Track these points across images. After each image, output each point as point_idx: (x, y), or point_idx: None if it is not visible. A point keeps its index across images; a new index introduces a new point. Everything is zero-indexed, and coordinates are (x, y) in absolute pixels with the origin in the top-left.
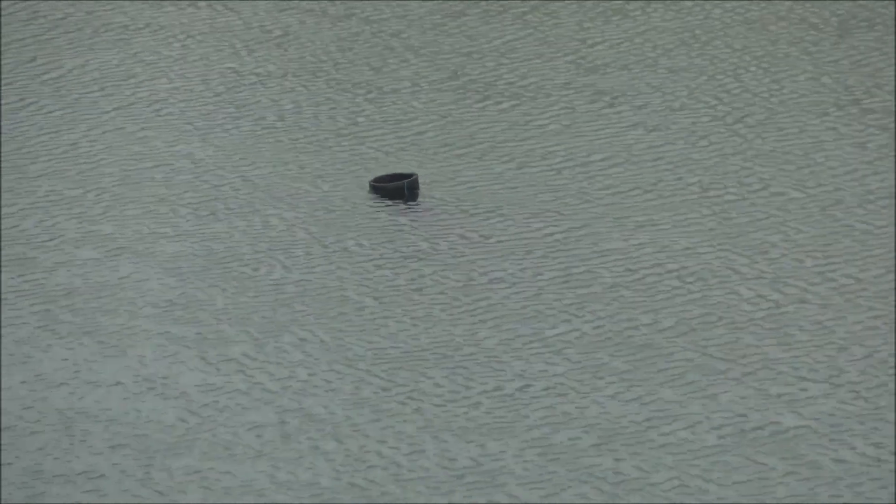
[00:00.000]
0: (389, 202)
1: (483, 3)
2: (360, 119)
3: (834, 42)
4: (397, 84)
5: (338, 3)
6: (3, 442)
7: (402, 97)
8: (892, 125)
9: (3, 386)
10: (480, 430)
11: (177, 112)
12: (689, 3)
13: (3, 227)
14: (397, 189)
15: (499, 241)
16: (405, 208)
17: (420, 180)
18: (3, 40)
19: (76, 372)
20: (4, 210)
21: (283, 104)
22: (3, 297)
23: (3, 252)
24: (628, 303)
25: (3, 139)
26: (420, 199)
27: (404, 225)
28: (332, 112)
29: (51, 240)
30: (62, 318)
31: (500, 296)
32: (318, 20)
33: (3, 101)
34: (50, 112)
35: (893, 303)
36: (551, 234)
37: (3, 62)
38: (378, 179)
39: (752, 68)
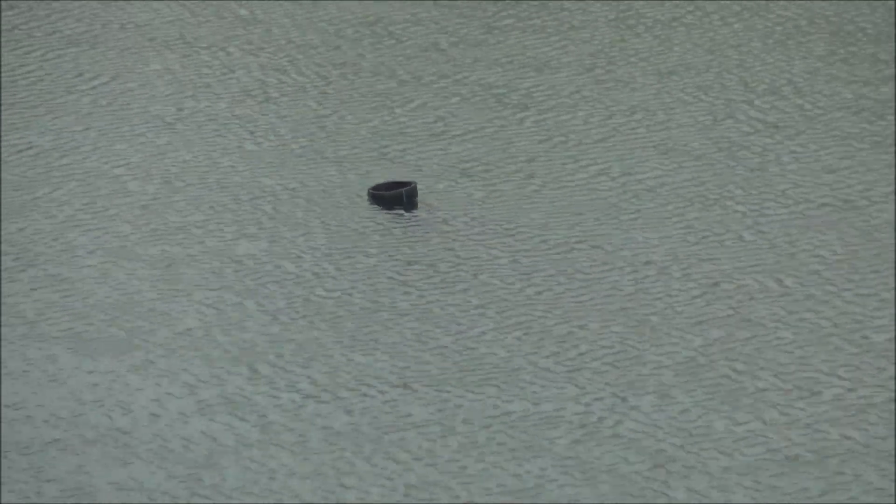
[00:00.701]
0: (388, 210)
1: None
2: (363, 126)
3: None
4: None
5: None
6: (43, 459)
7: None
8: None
9: (39, 403)
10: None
11: (181, 127)
12: (717, 23)
13: (31, 245)
14: (396, 197)
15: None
16: (405, 216)
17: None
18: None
19: (111, 389)
20: (34, 227)
21: (290, 114)
22: (36, 318)
23: (32, 270)
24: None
25: (25, 158)
26: (419, 207)
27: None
28: (342, 119)
29: (79, 257)
30: (97, 336)
31: (537, 313)
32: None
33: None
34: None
35: None
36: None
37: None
38: (377, 187)
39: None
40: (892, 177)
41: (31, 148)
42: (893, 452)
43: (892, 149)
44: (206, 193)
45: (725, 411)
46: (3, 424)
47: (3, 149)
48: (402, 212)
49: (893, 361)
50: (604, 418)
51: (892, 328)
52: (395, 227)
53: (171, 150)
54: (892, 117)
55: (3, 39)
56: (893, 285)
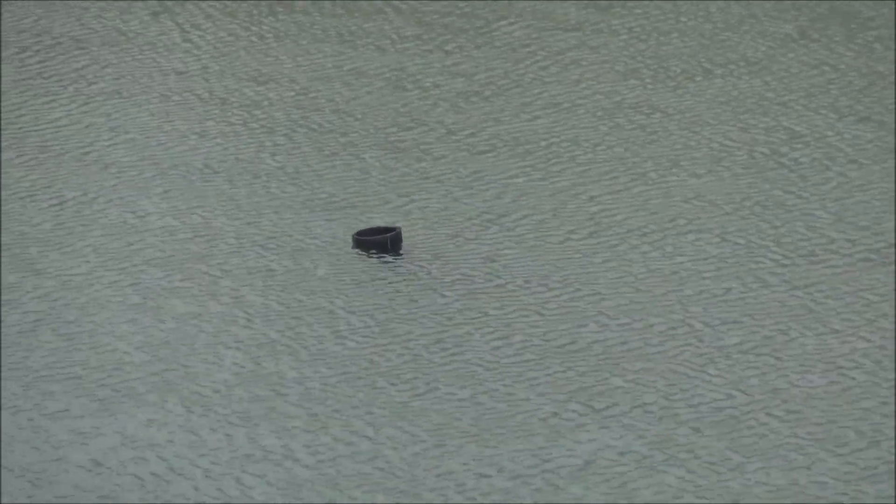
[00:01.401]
0: (374, 255)
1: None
2: (349, 172)
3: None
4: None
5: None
6: None
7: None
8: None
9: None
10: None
11: (151, 172)
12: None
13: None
14: (380, 243)
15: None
16: (391, 262)
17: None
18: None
19: (165, 436)
20: (55, 276)
21: (277, 158)
22: (74, 369)
23: (58, 317)
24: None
25: (41, 206)
26: (403, 251)
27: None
28: (321, 165)
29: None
30: (140, 379)
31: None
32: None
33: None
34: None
35: None
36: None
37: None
38: (361, 233)
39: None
40: None
41: (61, 203)
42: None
43: None
44: (180, 239)
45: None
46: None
47: (35, 202)
48: (385, 257)
49: None
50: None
51: None
52: (379, 273)
53: (134, 193)
54: None
55: (37, 90)
56: None
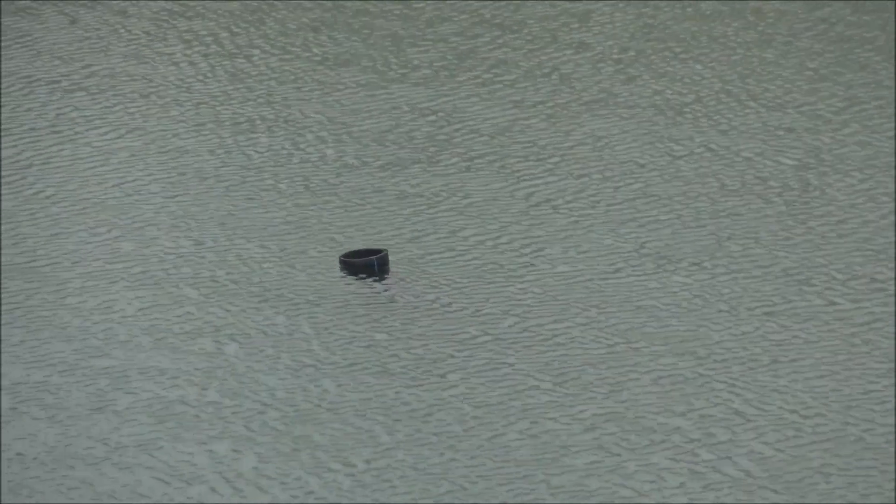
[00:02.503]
0: (361, 278)
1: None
2: (334, 192)
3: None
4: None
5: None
6: None
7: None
8: None
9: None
10: None
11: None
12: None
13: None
14: (367, 265)
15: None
16: (379, 284)
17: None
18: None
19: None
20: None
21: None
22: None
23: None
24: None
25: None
26: (391, 274)
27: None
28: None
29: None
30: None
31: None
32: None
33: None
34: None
35: None
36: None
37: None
38: (347, 255)
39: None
40: None
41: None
42: None
43: None
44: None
45: None
46: None
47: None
48: (372, 279)
49: None
50: None
51: None
52: (364, 295)
53: (121, 213)
54: None
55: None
56: None
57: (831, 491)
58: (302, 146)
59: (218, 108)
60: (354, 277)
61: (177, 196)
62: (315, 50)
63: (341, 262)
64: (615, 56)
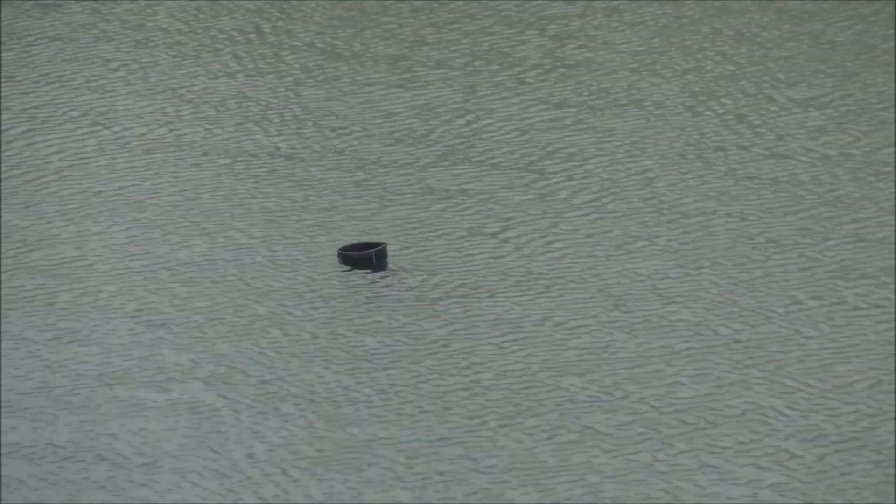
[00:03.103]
0: (358, 271)
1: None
2: (329, 188)
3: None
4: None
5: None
6: None
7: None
8: None
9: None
10: None
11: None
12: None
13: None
14: (365, 258)
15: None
16: (376, 276)
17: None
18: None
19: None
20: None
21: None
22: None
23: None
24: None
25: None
26: (388, 267)
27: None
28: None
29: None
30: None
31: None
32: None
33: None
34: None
35: None
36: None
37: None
38: (346, 248)
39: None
40: None
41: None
42: None
43: None
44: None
45: None
46: None
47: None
48: (370, 273)
49: None
50: None
51: None
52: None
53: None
54: None
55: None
56: None
57: None
58: (323, 141)
59: (244, 104)
60: (352, 270)
61: (199, 189)
62: (340, 46)
63: (340, 255)
64: (641, 55)
